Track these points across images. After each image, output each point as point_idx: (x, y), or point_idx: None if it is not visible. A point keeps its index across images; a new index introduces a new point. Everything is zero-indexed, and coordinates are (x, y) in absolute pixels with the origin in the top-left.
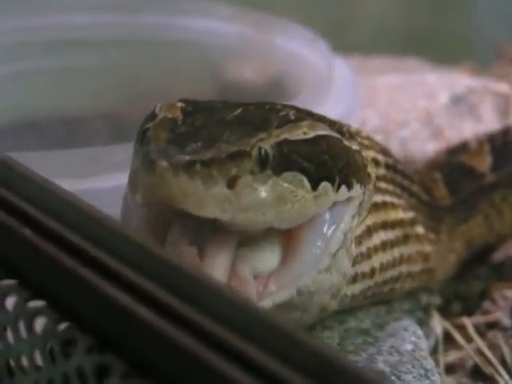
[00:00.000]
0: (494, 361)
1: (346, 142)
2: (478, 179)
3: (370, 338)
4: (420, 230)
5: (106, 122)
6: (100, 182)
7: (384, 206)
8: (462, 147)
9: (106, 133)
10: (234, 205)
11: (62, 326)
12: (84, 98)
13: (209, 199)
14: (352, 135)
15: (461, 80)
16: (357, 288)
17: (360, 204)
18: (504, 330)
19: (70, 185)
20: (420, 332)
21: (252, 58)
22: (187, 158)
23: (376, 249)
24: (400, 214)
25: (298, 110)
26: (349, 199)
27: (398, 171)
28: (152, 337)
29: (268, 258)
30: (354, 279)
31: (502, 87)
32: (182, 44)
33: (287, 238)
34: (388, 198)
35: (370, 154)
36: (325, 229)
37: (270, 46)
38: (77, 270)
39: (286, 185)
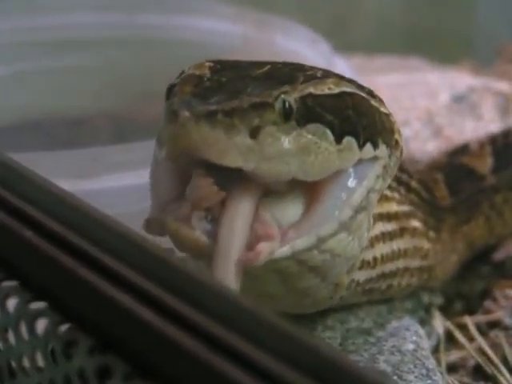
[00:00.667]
0: (496, 360)
1: (374, 103)
2: (479, 181)
3: (371, 337)
4: (416, 224)
5: (107, 121)
6: (101, 182)
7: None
8: (463, 148)
9: (107, 133)
10: (257, 154)
11: (64, 328)
12: (85, 98)
13: (231, 148)
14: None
15: (461, 79)
16: (362, 275)
17: (385, 167)
18: (505, 329)
19: (71, 185)
20: (422, 331)
21: (253, 57)
22: (209, 107)
23: (377, 239)
24: (394, 207)
25: (328, 71)
26: (374, 158)
27: None
28: (153, 338)
29: (291, 210)
30: (360, 266)
31: (503, 86)
32: (184, 43)
33: (311, 193)
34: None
35: None
36: (348, 182)
37: (272, 46)
38: (78, 271)
39: (309, 136)
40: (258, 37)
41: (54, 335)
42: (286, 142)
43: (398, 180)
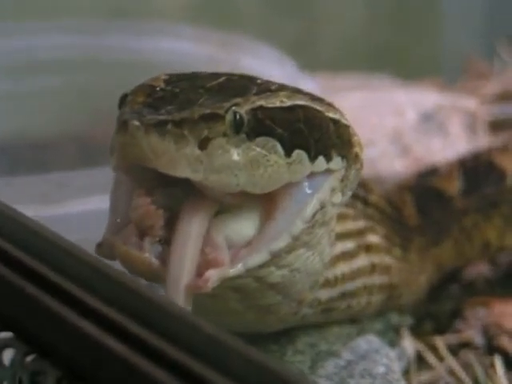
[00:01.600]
0: (467, 380)
1: (332, 115)
2: (448, 203)
3: (341, 361)
4: (375, 239)
5: (72, 144)
6: (66, 207)
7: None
8: (433, 170)
9: (72, 155)
10: (206, 165)
11: (31, 358)
12: (48, 120)
13: (180, 159)
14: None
15: (428, 97)
16: (324, 294)
17: (342, 180)
18: (476, 348)
19: (36, 211)
20: (392, 354)
21: None
22: (159, 117)
23: (338, 257)
24: (349, 224)
25: (283, 84)
26: (328, 171)
27: None
28: (120, 367)
29: (245, 229)
30: (322, 284)
31: (470, 103)
32: (148, 65)
33: (265, 209)
34: None
35: None
36: (300, 195)
37: (237, 66)
38: (43, 300)
39: (258, 149)
40: (223, 57)
41: (21, 366)
42: (235, 154)
43: (353, 195)
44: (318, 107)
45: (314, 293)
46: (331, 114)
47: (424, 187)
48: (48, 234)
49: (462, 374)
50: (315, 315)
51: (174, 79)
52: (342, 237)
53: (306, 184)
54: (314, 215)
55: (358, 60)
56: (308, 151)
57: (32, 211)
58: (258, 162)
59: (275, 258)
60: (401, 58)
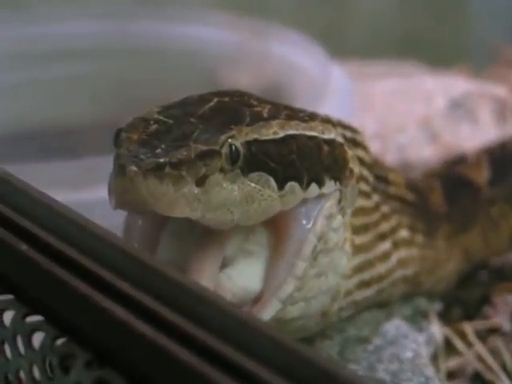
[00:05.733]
0: (495, 366)
1: (326, 136)
2: (476, 192)
3: (369, 346)
4: (399, 236)
5: (101, 131)
6: (94, 193)
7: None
8: (461, 158)
9: (101, 142)
10: (203, 203)
11: (60, 341)
12: (79, 107)
13: (179, 199)
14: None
15: (458, 84)
16: (347, 301)
17: (339, 201)
18: (504, 334)
19: (65, 196)
20: (420, 339)
21: (248, 66)
22: (157, 160)
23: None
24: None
25: (273, 105)
26: (320, 196)
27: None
28: (150, 351)
29: (251, 283)
30: (345, 293)
31: (499, 91)
32: (178, 52)
33: (269, 256)
34: None
35: None
36: (298, 232)
37: (266, 54)
38: (73, 284)
39: (253, 184)
40: (252, 45)
41: (50, 349)
42: (231, 191)
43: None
44: (311, 132)
45: (336, 304)
46: (325, 136)
47: (451, 174)
48: (78, 218)
49: (490, 360)
50: (343, 316)
51: (166, 107)
52: (361, 249)
53: (303, 216)
54: (313, 250)
55: (388, 47)
56: (300, 181)
57: (61, 196)
58: (252, 198)
59: (288, 301)
60: (430, 44)
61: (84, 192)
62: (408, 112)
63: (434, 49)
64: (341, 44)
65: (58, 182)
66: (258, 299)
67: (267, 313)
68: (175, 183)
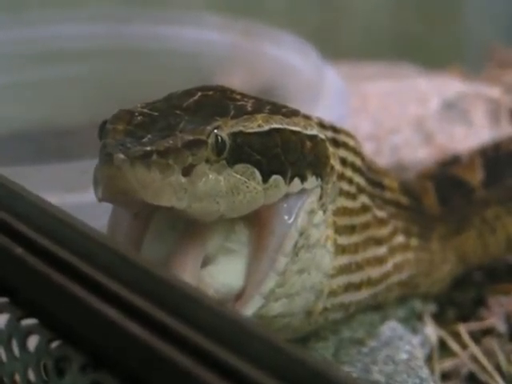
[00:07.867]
0: (490, 367)
1: (308, 132)
2: (470, 193)
3: (364, 347)
4: (396, 242)
5: (95, 131)
6: (90, 195)
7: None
8: (454, 160)
9: (96, 144)
10: (190, 193)
11: (55, 344)
12: (76, 109)
13: (166, 188)
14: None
15: (452, 85)
16: (333, 301)
17: (321, 198)
18: (499, 336)
19: (60, 199)
20: (415, 341)
21: (242, 67)
22: (144, 148)
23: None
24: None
25: (256, 99)
26: (302, 191)
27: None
28: (145, 354)
29: (233, 279)
30: (329, 293)
31: (493, 92)
32: (172, 53)
33: (250, 251)
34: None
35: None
36: (279, 228)
37: (260, 55)
38: (69, 287)
39: (238, 176)
40: (246, 46)
41: (45, 352)
42: (218, 181)
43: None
44: (295, 127)
45: (321, 303)
46: (308, 131)
47: (446, 176)
48: (72, 221)
49: (485, 361)
50: (330, 318)
51: (150, 102)
52: (345, 249)
53: (285, 211)
54: (294, 246)
55: (382, 48)
56: (284, 175)
57: (56, 198)
58: (237, 189)
59: (270, 296)
60: (424, 46)
61: (79, 194)
62: (402, 113)
63: (427, 50)
64: (335, 45)
65: (55, 184)
66: (240, 295)
67: (249, 308)
68: (162, 171)
